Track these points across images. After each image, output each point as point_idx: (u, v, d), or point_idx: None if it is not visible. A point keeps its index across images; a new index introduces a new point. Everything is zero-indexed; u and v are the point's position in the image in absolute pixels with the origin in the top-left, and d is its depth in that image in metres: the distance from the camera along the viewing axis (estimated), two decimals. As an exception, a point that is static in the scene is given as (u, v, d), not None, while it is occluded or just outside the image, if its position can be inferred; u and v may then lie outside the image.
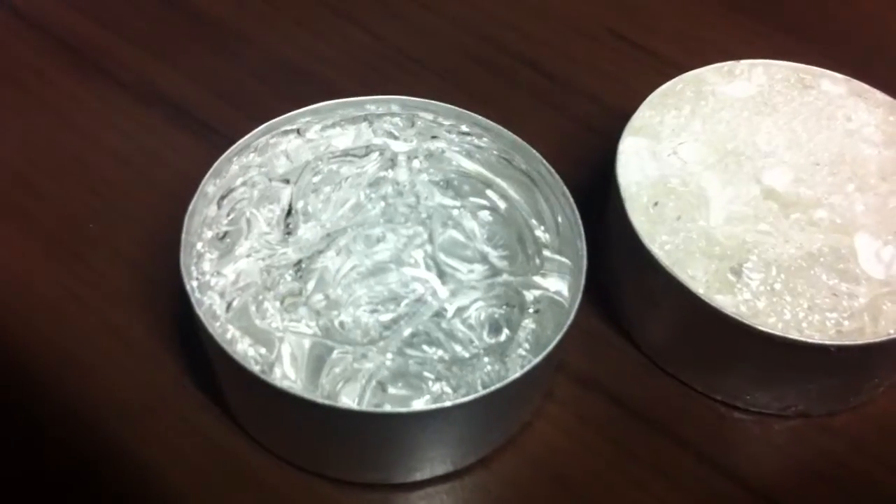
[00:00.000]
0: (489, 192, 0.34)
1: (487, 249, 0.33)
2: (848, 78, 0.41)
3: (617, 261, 0.37)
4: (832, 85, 0.40)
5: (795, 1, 0.52)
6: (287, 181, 0.34)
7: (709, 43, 0.49)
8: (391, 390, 0.31)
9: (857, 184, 0.37)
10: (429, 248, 0.32)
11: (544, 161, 0.35)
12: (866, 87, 0.40)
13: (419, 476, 0.33)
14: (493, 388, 0.30)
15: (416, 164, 0.34)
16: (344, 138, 0.35)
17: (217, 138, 0.41)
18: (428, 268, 0.32)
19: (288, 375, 0.30)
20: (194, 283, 0.31)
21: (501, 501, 0.34)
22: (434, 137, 0.35)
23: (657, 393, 0.37)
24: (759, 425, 0.36)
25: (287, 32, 0.48)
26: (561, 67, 0.48)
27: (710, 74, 0.40)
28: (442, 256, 0.32)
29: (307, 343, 0.31)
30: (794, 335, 0.33)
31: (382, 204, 0.33)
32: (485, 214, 0.33)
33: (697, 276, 0.34)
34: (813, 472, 0.36)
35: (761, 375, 0.35)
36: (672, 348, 0.37)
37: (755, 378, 0.35)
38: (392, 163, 0.34)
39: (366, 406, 0.30)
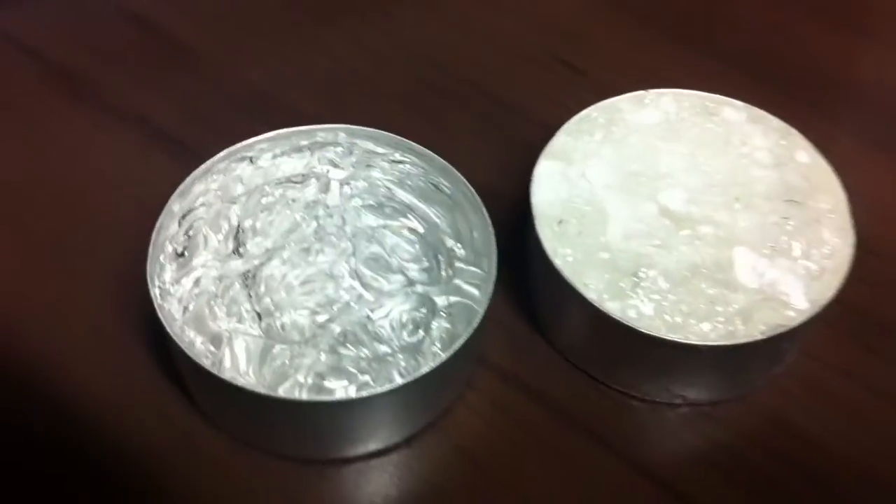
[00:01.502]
0: (411, 215, 0.40)
1: (406, 264, 0.39)
2: (748, 105, 0.46)
3: (532, 271, 0.43)
4: (733, 112, 0.46)
5: (736, 33, 0.57)
6: (238, 203, 0.39)
7: (648, 70, 0.54)
8: (324, 382, 0.36)
9: (744, 203, 0.42)
10: (353, 261, 0.38)
11: (466, 183, 0.41)
12: (764, 113, 0.45)
13: (351, 452, 0.39)
14: (404, 380, 0.35)
15: (346, 189, 0.40)
16: (290, 165, 0.41)
17: (190, 158, 0.45)
18: (353, 278, 0.38)
19: (237, 370, 0.36)
20: (157, 291, 0.37)
21: (421, 477, 0.40)
22: (369, 166, 0.41)
23: (566, 385, 0.42)
24: (652, 413, 0.42)
25: (257, 57, 0.54)
26: (506, 91, 0.53)
27: (623, 103, 0.46)
28: (365, 269, 0.38)
29: (252, 342, 0.37)
30: (671, 337, 0.38)
31: (315, 224, 0.39)
32: (406, 233, 0.39)
33: (593, 285, 0.40)
34: (698, 455, 0.41)
35: (651, 370, 0.41)
36: (578, 346, 0.42)
37: (646, 372, 0.41)
38: (326, 188, 0.40)
39: (302, 396, 0.36)
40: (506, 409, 0.42)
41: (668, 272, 0.40)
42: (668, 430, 0.42)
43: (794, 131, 0.44)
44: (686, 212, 0.42)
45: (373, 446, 0.39)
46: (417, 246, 0.39)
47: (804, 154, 0.44)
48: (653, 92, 0.46)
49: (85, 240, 0.45)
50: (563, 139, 0.44)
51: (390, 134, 0.43)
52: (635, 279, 0.40)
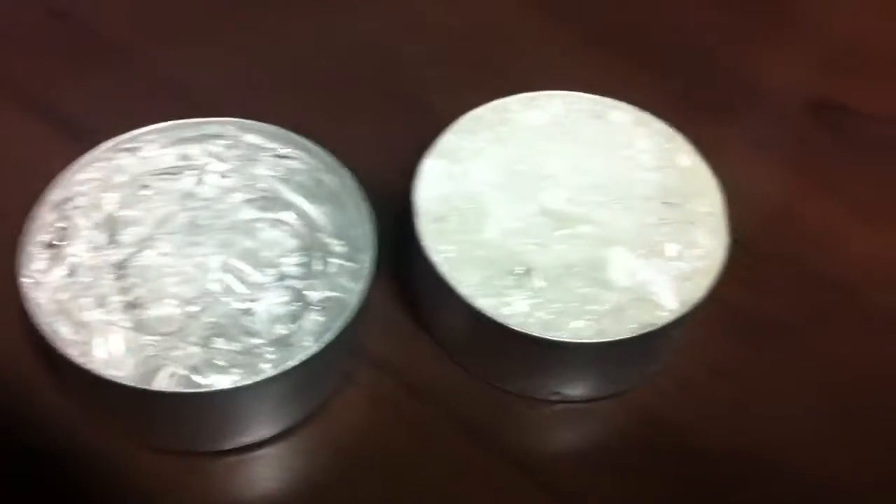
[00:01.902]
0: (291, 210, 0.40)
1: (280, 258, 0.39)
2: (635, 108, 0.46)
3: (415, 268, 0.43)
4: (620, 115, 0.46)
5: (642, 33, 0.57)
6: (115, 192, 0.40)
7: (554, 69, 0.54)
8: (195, 375, 0.37)
9: (623, 204, 0.43)
10: (227, 254, 0.38)
11: (352, 178, 0.41)
12: (650, 116, 0.46)
13: (224, 446, 0.39)
14: (272, 372, 0.36)
15: (224, 182, 0.40)
16: (172, 156, 0.41)
17: (84, 148, 0.45)
18: (226, 271, 0.38)
19: (106, 362, 0.36)
20: (27, 281, 0.37)
21: (295, 471, 0.40)
22: (253, 160, 0.41)
23: (444, 379, 0.43)
24: (528, 408, 0.43)
25: (165, 48, 0.53)
26: (413, 87, 0.54)
27: (514, 104, 0.46)
28: (238, 262, 0.38)
29: (122, 333, 0.37)
30: (542, 334, 0.39)
31: (190, 215, 0.39)
32: (283, 228, 0.40)
33: (468, 282, 0.40)
34: (574, 452, 0.42)
35: (526, 367, 0.41)
36: (457, 343, 0.43)
37: (522, 369, 0.42)
38: (203, 180, 0.40)
39: (172, 388, 0.36)
40: (385, 404, 0.42)
41: (544, 270, 0.41)
42: (545, 426, 0.43)
43: (677, 135, 0.45)
44: (566, 211, 0.43)
45: (246, 439, 0.39)
46: (294, 241, 0.40)
47: (686, 157, 0.45)
48: (543, 94, 0.47)
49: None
50: (451, 137, 0.45)
51: (280, 128, 0.43)
52: (511, 277, 0.41)
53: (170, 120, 0.43)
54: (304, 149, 0.42)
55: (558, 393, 0.42)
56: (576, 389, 0.42)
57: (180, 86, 0.51)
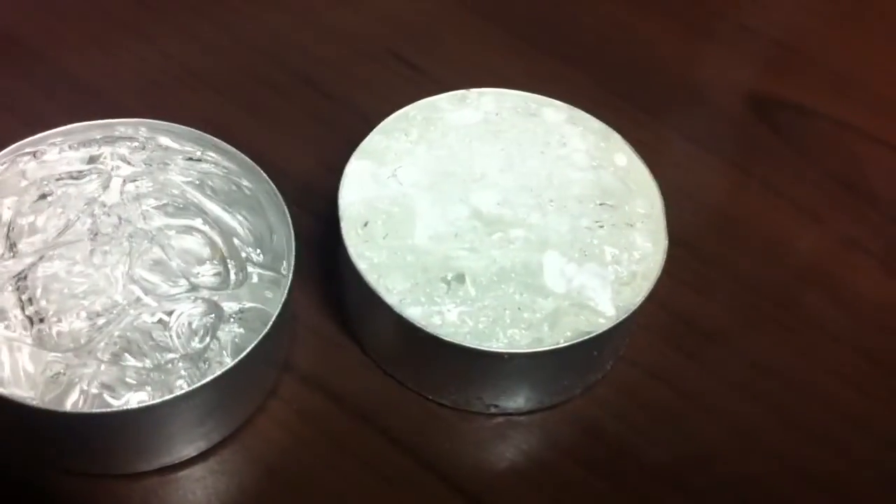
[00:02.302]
0: (203, 217, 0.38)
1: (191, 268, 0.36)
2: (570, 106, 0.45)
3: (343, 275, 0.41)
4: (554, 113, 0.45)
5: (581, 34, 0.56)
6: (13, 199, 0.37)
7: (487, 70, 0.53)
8: (103, 393, 0.34)
9: (557, 205, 0.41)
10: (130, 264, 0.36)
11: (270, 183, 0.39)
12: (585, 115, 0.44)
13: (141, 468, 0.37)
14: (184, 390, 0.33)
15: (130, 187, 0.37)
16: (77, 161, 0.38)
17: None
18: (131, 283, 0.36)
19: (8, 381, 0.34)
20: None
21: (218, 492, 0.38)
22: (164, 164, 0.39)
23: (375, 392, 0.41)
24: (464, 422, 0.41)
25: (78, 48, 0.51)
26: (339, 87, 0.52)
27: (443, 102, 0.44)
28: (144, 273, 0.36)
29: (25, 350, 0.34)
30: (474, 345, 0.37)
31: (90, 222, 0.36)
32: (195, 236, 0.37)
33: (396, 289, 0.38)
34: (508, 466, 0.40)
35: (458, 377, 0.39)
36: (387, 353, 0.41)
37: (454, 379, 0.40)
38: (107, 185, 0.37)
39: (77, 408, 0.34)
40: (311, 419, 0.40)
41: (477, 276, 0.39)
42: (478, 440, 0.41)
43: (614, 133, 0.44)
44: (498, 214, 0.41)
45: (165, 460, 0.37)
46: (206, 249, 0.37)
47: (623, 157, 0.43)
48: (474, 91, 0.45)
49: None
50: (378, 138, 0.43)
51: (194, 130, 0.41)
52: (442, 284, 0.39)
53: (77, 122, 0.40)
54: (219, 151, 0.40)
55: (495, 405, 0.40)
56: (513, 401, 0.40)
57: (90, 88, 0.49)
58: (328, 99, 0.51)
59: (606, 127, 0.44)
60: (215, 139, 0.40)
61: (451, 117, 0.44)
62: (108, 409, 0.33)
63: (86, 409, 0.33)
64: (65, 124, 0.40)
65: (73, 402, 0.34)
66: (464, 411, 0.41)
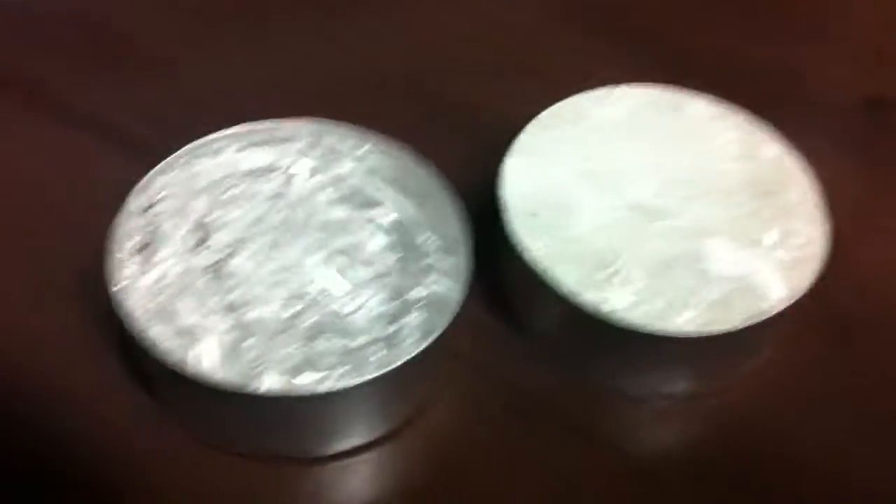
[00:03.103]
0: (381, 207, 0.39)
1: (377, 256, 0.37)
2: (713, 100, 0.46)
3: (503, 265, 0.42)
4: (696, 107, 0.46)
5: (678, 37, 0.57)
6: (201, 197, 0.38)
7: (595, 70, 0.53)
8: (297, 377, 0.35)
9: (713, 196, 0.42)
10: (322, 254, 0.37)
11: (439, 173, 0.40)
12: (728, 107, 0.45)
13: (326, 451, 0.38)
14: (379, 372, 0.34)
15: (311, 182, 0.39)
16: (253, 159, 0.40)
17: (143, 156, 0.43)
18: (322, 271, 0.37)
19: (205, 367, 0.35)
20: (117, 288, 0.35)
21: (392, 477, 0.39)
22: (335, 159, 0.40)
23: (543, 380, 0.41)
24: (630, 407, 0.41)
25: (216, 54, 0.52)
26: (468, 91, 0.52)
27: (588, 100, 0.45)
28: (334, 261, 0.37)
29: (220, 337, 0.35)
30: (648, 328, 0.38)
31: (280, 216, 0.38)
32: (376, 225, 0.38)
33: (566, 278, 0.39)
34: (682, 450, 0.41)
35: (627, 363, 0.40)
36: (555, 340, 0.42)
37: (623, 365, 0.40)
38: (291, 181, 0.39)
39: (275, 391, 0.35)
40: (479, 406, 0.41)
41: (642, 264, 0.40)
42: (646, 424, 0.41)
43: (760, 124, 0.44)
44: (656, 204, 0.41)
45: (348, 444, 0.38)
46: (388, 238, 0.38)
47: (770, 147, 0.44)
48: (619, 88, 0.46)
49: (42, 241, 0.43)
50: (531, 135, 0.44)
51: (356, 127, 0.42)
52: (609, 271, 0.39)
53: (240, 124, 0.41)
54: (384, 146, 0.41)
55: (660, 390, 0.41)
56: (678, 386, 0.41)
57: (228, 92, 0.50)
58: (467, 103, 0.52)
59: (751, 119, 0.45)
60: (379, 134, 0.42)
61: (598, 114, 0.45)
62: (308, 392, 0.34)
63: (287, 392, 0.34)
64: (205, 129, 0.41)
65: (266, 386, 0.35)
66: (632, 397, 0.41)
